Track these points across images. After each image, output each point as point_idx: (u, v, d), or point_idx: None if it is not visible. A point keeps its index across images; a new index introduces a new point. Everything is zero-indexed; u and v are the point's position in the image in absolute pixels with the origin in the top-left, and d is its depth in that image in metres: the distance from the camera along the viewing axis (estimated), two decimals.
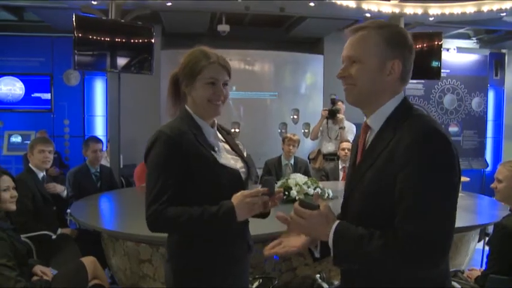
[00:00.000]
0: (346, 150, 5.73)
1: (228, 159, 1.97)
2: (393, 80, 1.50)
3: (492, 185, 3.07)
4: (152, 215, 1.78)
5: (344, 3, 6.19)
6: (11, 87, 8.25)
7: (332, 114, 6.23)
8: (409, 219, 1.33)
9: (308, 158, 6.81)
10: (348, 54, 1.54)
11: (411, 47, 1.53)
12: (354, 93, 1.54)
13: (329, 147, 6.44)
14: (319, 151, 6.57)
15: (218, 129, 2.07)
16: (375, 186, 1.44)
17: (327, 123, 6.36)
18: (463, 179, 7.69)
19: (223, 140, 2.06)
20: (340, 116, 6.28)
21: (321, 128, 6.44)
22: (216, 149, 1.94)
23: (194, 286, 1.89)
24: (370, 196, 1.47)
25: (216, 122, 2.05)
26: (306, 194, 4.18)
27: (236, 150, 2.06)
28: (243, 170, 2.00)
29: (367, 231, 1.39)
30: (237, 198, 1.79)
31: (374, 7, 6.45)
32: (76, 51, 5.62)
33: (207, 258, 1.88)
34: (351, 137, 6.29)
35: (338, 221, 1.47)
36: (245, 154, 2.12)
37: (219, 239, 1.87)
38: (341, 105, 6.35)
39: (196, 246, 1.88)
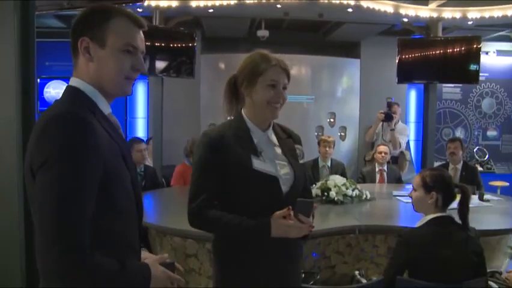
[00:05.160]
0: (383, 154, 5.82)
1: (273, 164, 1.98)
2: None
3: None
4: (190, 212, 1.92)
5: (382, 9, 6.24)
6: (58, 91, 8.63)
7: (388, 117, 6.31)
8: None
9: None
10: None
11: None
12: None
13: None
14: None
15: (276, 133, 2.10)
16: None
17: (382, 125, 6.48)
18: (502, 183, 7.64)
19: (277, 144, 2.07)
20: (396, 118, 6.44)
21: (376, 131, 6.57)
22: (262, 153, 1.98)
23: (238, 279, 1.96)
24: None
25: (271, 125, 2.08)
26: (345, 195, 4.29)
27: (287, 156, 2.05)
28: (288, 176, 1.99)
29: None
30: (274, 218, 1.84)
31: (411, 12, 6.46)
32: None
33: (250, 252, 1.95)
34: (403, 139, 6.42)
35: None
36: (302, 160, 2.13)
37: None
38: (396, 108, 6.48)
39: (240, 241, 1.95)
